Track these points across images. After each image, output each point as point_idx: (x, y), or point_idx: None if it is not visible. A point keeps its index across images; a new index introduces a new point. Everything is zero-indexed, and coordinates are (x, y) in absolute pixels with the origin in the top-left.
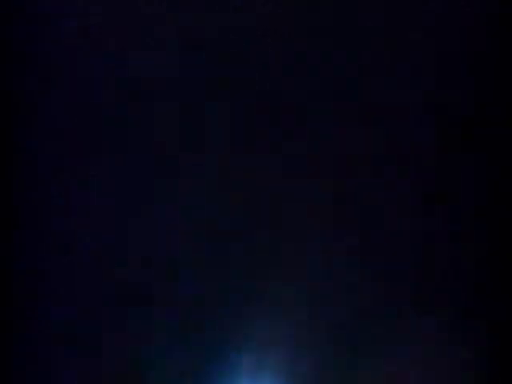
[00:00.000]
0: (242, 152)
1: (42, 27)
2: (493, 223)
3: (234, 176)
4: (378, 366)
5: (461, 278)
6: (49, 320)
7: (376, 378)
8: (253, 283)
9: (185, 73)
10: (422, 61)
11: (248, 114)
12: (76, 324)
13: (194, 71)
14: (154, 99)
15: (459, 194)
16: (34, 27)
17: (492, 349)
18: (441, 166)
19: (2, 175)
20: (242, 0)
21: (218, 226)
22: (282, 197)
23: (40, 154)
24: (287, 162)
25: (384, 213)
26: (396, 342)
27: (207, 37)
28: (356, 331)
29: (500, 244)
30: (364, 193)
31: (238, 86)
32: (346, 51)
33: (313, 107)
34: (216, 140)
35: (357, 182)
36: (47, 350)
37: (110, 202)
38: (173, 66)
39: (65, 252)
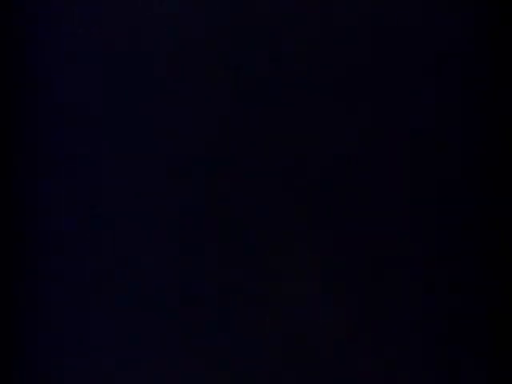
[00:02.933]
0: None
1: (41, 28)
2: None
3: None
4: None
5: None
6: (50, 318)
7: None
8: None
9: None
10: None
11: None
12: (76, 323)
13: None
14: (154, 100)
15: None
16: (33, 27)
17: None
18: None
19: (1, 175)
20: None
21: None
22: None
23: (40, 153)
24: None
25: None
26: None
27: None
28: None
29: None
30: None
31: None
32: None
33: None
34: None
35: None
36: (47, 350)
37: (112, 202)
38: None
39: (64, 252)
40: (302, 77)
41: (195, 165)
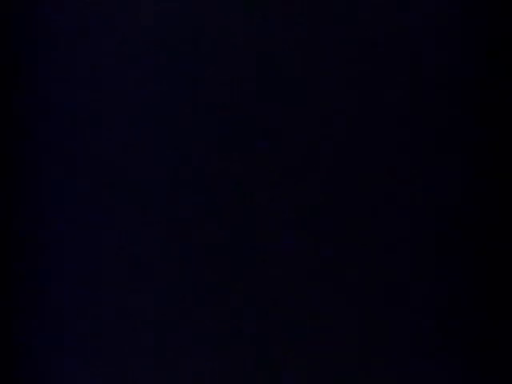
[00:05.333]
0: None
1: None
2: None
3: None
4: None
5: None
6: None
7: None
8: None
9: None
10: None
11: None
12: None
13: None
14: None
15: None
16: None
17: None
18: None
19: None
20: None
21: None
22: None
23: (40, 155)
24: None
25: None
26: None
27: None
28: None
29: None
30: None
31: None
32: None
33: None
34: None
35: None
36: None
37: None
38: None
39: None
40: (302, 78)
41: (198, 166)
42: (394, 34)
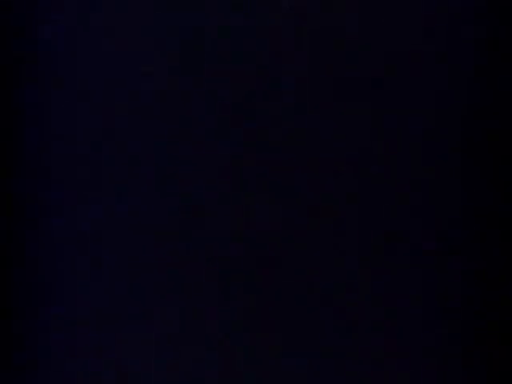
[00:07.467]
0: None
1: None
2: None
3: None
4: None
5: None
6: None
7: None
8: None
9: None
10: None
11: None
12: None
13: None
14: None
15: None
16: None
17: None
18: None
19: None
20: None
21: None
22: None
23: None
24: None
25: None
26: None
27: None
28: None
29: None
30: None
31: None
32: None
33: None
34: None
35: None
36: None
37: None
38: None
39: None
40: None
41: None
42: (393, 35)
